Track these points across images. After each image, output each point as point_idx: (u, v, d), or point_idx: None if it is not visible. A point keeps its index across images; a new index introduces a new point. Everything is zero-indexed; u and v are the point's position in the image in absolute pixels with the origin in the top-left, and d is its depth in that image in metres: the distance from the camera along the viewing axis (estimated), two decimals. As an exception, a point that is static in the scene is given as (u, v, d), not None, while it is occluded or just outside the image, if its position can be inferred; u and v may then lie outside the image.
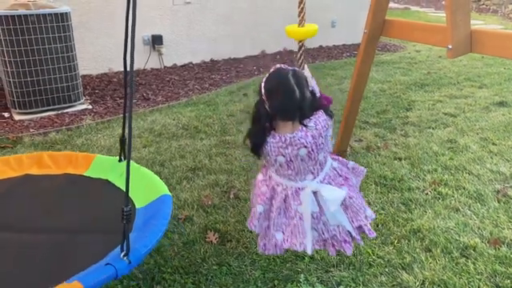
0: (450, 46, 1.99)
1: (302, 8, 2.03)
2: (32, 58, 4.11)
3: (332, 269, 2.14)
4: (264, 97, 1.68)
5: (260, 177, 1.91)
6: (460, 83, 5.71)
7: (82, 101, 4.61)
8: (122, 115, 4.38)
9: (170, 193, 2.10)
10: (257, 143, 1.74)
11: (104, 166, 2.45)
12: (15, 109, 4.28)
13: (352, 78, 2.63)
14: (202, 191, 2.87)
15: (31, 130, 3.97)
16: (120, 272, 1.52)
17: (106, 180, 2.36)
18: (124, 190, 2.11)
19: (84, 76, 5.16)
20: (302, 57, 2.10)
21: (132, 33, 1.43)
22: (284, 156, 1.71)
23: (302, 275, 2.07)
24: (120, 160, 2.41)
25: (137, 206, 2.10)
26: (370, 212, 1.87)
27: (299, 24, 2.06)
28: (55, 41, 4.18)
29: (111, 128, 4.03)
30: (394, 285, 2.03)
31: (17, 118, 4.24)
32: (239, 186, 2.94)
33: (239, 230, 2.46)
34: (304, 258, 2.20)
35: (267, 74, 1.72)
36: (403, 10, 14.82)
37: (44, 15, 4.06)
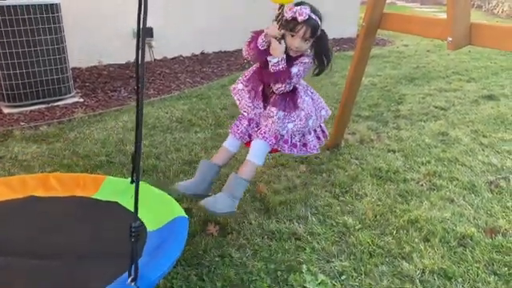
0: (451, 39, 2.01)
1: None
2: (21, 49, 4.03)
3: (333, 259, 2.16)
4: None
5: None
6: (449, 77, 5.79)
7: (72, 94, 4.54)
8: (114, 108, 4.35)
9: (186, 215, 1.97)
10: None
11: (114, 188, 2.33)
12: (4, 102, 4.19)
13: (349, 70, 2.65)
14: (200, 184, 2.86)
15: (21, 124, 3.89)
16: None
17: (116, 203, 2.24)
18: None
19: (73, 69, 5.08)
20: (281, 21, 2.26)
21: (143, 23, 1.42)
22: None
23: (304, 265, 2.09)
24: (132, 182, 2.29)
25: (148, 229, 1.97)
26: None
27: None
28: (45, 32, 4.10)
29: (104, 121, 3.98)
30: (394, 274, 2.06)
31: (6, 111, 4.16)
32: (236, 179, 2.93)
33: (239, 221, 2.46)
34: (305, 249, 2.22)
35: (309, 11, 2.22)
36: (389, 5, 14.92)
37: (33, 6, 3.97)
